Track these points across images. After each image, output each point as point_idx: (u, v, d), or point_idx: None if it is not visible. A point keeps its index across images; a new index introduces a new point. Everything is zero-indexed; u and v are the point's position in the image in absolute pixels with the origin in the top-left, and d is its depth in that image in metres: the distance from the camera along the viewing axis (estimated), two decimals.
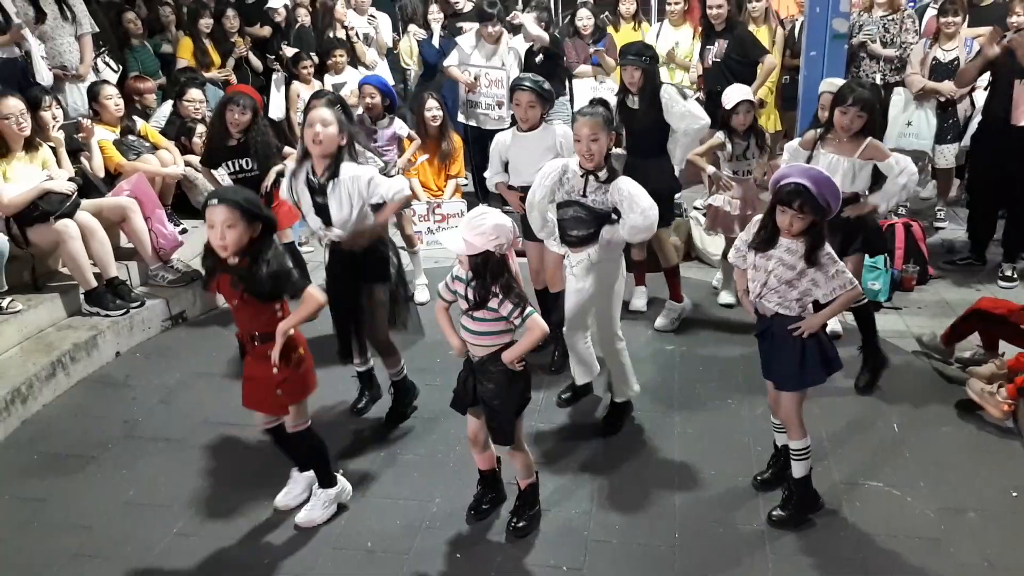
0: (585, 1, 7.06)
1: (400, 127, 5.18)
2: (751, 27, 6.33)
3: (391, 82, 7.30)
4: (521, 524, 3.02)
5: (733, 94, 4.59)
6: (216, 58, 6.90)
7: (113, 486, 3.36)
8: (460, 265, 2.73)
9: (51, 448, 3.65)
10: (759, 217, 2.94)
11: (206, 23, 6.86)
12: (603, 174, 3.34)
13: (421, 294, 5.05)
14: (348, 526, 3.10)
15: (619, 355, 3.62)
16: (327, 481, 3.13)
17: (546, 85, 3.93)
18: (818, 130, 3.89)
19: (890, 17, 6.09)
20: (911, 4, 7.21)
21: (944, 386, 3.94)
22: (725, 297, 4.90)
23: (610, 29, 7.03)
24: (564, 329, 3.63)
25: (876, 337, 4.00)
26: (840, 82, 4.39)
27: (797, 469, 3.00)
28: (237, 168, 4.55)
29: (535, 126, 3.95)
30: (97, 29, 5.92)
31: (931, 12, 6.55)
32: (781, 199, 2.78)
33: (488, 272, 2.66)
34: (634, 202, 3.28)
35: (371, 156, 4.58)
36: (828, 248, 2.83)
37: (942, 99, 5.81)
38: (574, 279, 3.48)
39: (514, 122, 4.12)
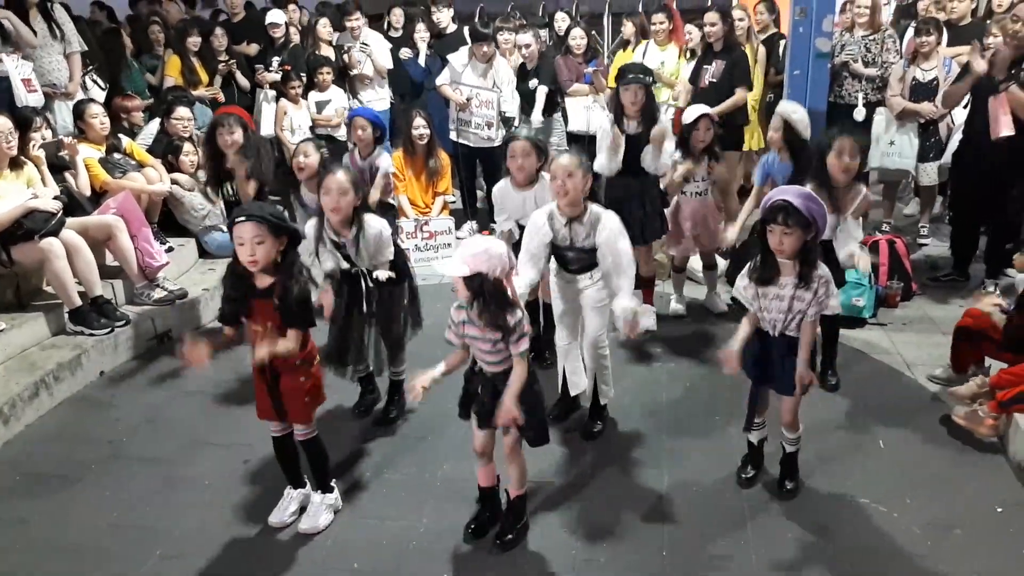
0: (578, 21, 7.13)
1: (388, 163, 5.05)
2: None
3: (387, 105, 7.36)
4: (509, 537, 3.02)
5: (693, 110, 4.64)
6: (204, 76, 6.91)
7: (97, 507, 3.33)
8: (458, 294, 2.73)
9: (34, 469, 3.61)
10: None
11: (194, 41, 6.88)
12: (587, 218, 3.36)
13: None
14: (335, 546, 3.08)
15: (605, 359, 3.67)
16: (328, 487, 3.19)
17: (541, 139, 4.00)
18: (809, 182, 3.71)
19: (871, 37, 6.18)
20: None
21: (929, 403, 3.97)
22: (675, 307, 4.97)
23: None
24: (564, 344, 3.68)
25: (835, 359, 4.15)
26: (798, 107, 4.49)
27: (793, 449, 3.30)
28: (232, 192, 4.54)
29: (533, 181, 3.91)
30: (86, 47, 5.93)
31: (911, 32, 6.65)
32: (767, 218, 2.85)
33: (486, 293, 2.67)
34: (613, 250, 3.34)
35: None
36: (823, 270, 2.93)
37: (922, 120, 5.89)
38: (591, 300, 3.53)
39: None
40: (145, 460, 3.65)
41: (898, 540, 3.03)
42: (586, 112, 6.48)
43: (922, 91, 5.80)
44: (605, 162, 4.34)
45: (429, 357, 2.95)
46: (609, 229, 3.35)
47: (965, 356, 3.92)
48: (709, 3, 7.55)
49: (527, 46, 6.47)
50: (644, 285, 4.71)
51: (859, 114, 6.10)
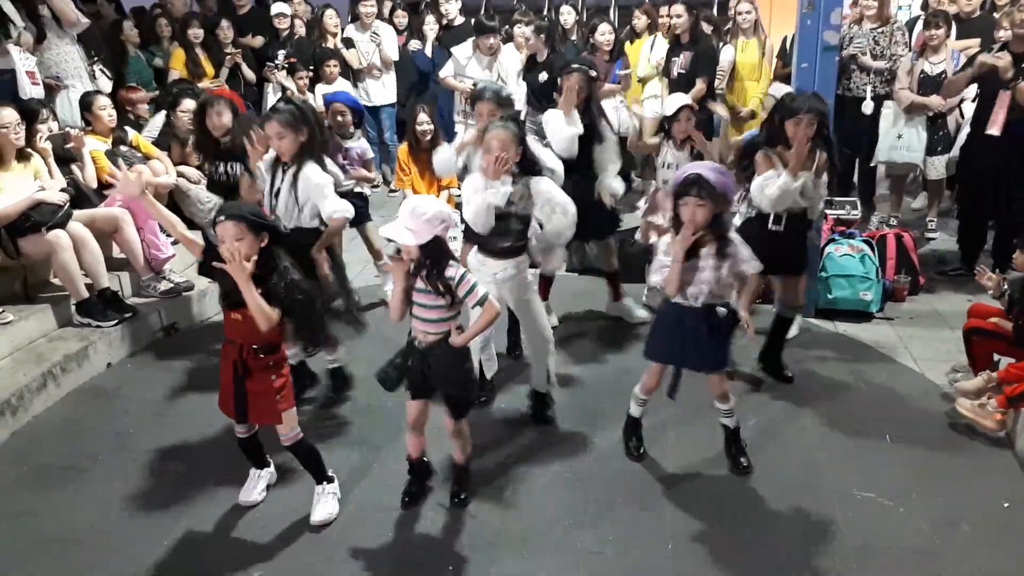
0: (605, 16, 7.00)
1: (366, 148, 5.10)
2: (740, 37, 6.38)
3: (393, 97, 7.36)
4: (465, 496, 3.21)
5: (674, 100, 4.67)
6: (209, 69, 6.89)
7: (104, 498, 3.34)
8: (404, 260, 2.80)
9: (41, 460, 3.62)
10: (666, 239, 3.17)
11: (195, 33, 6.85)
12: (520, 180, 3.36)
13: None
14: (341, 538, 3.08)
15: (549, 356, 3.70)
16: (328, 477, 3.21)
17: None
18: (767, 150, 3.81)
19: (880, 30, 6.15)
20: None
21: (936, 397, 3.96)
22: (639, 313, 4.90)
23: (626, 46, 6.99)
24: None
25: (781, 351, 4.16)
26: (787, 88, 4.56)
27: (734, 423, 3.43)
28: (223, 171, 4.53)
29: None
30: (88, 22, 5.93)
31: (920, 26, 6.61)
32: (679, 192, 3.04)
33: (441, 258, 2.78)
34: (553, 202, 3.40)
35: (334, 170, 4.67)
36: (734, 237, 3.15)
37: (930, 113, 5.86)
38: (522, 289, 3.55)
39: None
40: (152, 452, 3.66)
41: (905, 536, 3.03)
42: (613, 114, 6.29)
43: (930, 84, 5.77)
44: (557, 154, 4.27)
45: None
46: (548, 191, 3.40)
47: (982, 356, 3.87)
48: None
49: (527, 39, 6.45)
50: (611, 279, 4.82)
51: (867, 107, 6.07)
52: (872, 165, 6.37)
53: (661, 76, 6.56)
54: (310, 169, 3.57)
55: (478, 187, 3.36)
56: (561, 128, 4.25)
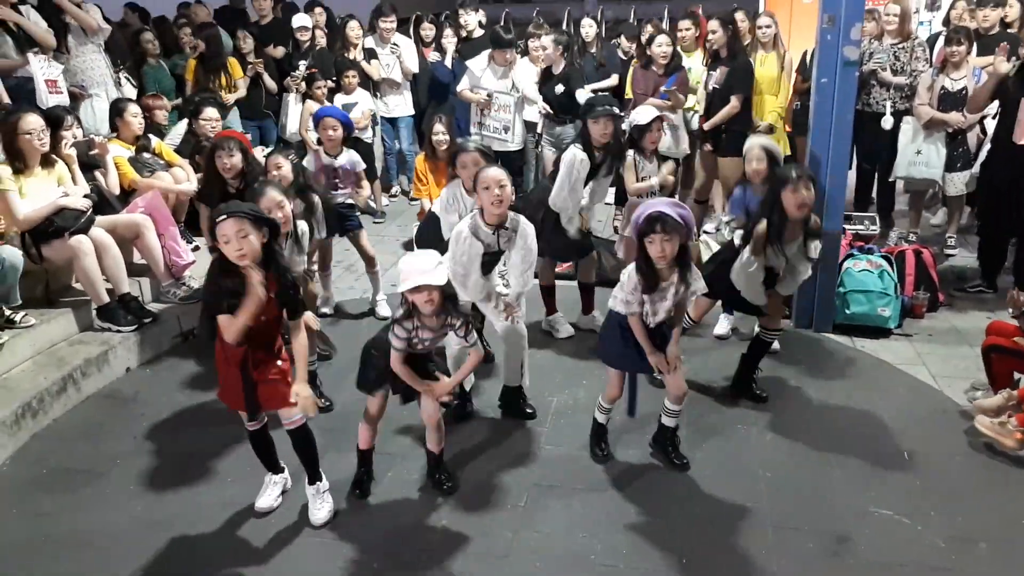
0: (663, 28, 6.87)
1: (356, 160, 5.12)
2: (759, 51, 6.37)
3: (411, 109, 7.42)
4: (451, 482, 3.39)
5: (647, 112, 4.71)
6: (222, 79, 6.95)
7: (122, 502, 3.37)
8: (427, 305, 2.94)
9: (60, 463, 3.66)
10: (629, 271, 3.24)
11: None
12: (510, 223, 3.57)
13: (383, 309, 5.18)
14: (355, 542, 3.09)
15: (524, 352, 3.86)
16: (318, 475, 3.25)
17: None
18: (762, 229, 3.73)
19: (900, 45, 6.13)
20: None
21: (954, 415, 3.92)
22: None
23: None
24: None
25: (754, 374, 4.15)
26: (767, 141, 4.58)
27: (676, 423, 3.55)
28: None
29: None
30: (109, 28, 6.03)
31: (941, 42, 6.58)
32: (644, 230, 3.10)
33: (449, 297, 3.00)
34: (528, 246, 3.63)
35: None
36: (693, 267, 3.28)
37: (950, 129, 5.83)
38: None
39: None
40: (169, 455, 3.70)
41: (922, 553, 3.00)
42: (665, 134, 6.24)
43: (951, 100, 5.75)
44: (567, 195, 4.37)
45: None
46: (530, 233, 3.65)
47: (1002, 375, 3.82)
48: (735, 7, 7.52)
49: (543, 48, 6.46)
50: (585, 291, 4.91)
51: (886, 123, 6.05)
52: (891, 180, 6.33)
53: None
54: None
55: (470, 238, 3.54)
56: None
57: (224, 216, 2.81)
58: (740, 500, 3.32)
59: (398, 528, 3.18)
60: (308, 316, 3.44)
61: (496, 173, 3.47)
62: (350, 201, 5.11)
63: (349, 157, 5.07)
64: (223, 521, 3.23)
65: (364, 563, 2.99)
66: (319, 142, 5.14)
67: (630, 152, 4.68)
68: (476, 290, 3.66)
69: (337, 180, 5.02)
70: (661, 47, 6.22)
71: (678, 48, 6.41)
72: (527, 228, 3.65)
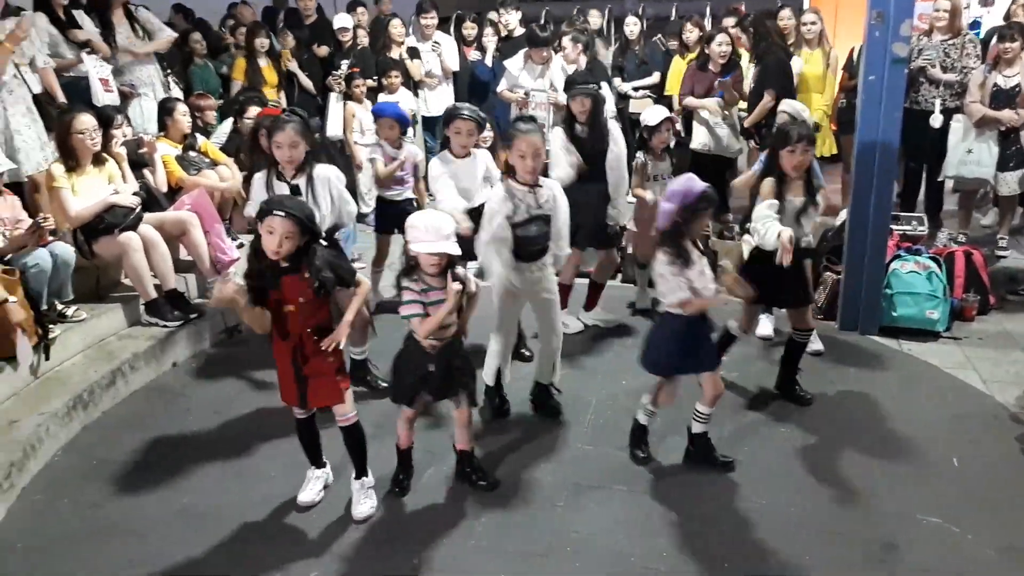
0: (725, 27, 6.77)
1: (414, 152, 5.12)
2: (804, 48, 6.28)
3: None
4: (487, 481, 3.39)
5: (656, 113, 4.79)
6: (271, 77, 7.05)
7: (166, 494, 3.44)
8: (432, 267, 2.98)
9: (109, 455, 3.74)
10: (659, 268, 3.22)
11: (261, 43, 7.03)
12: (542, 180, 3.61)
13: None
14: (397, 539, 3.11)
15: (557, 350, 3.89)
16: (365, 471, 3.29)
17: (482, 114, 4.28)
18: (771, 178, 3.78)
19: (951, 42, 5.99)
20: (974, 30, 7.08)
21: (1005, 420, 3.82)
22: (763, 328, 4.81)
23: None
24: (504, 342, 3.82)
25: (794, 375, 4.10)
26: (799, 106, 4.71)
27: (704, 428, 3.51)
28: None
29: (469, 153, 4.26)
30: (175, 35, 6.17)
31: (995, 38, 6.41)
32: (697, 206, 3.14)
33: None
34: (559, 204, 3.64)
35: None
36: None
37: (1003, 127, 5.67)
38: (547, 289, 3.74)
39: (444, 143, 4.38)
40: (214, 449, 3.76)
41: (972, 563, 2.93)
42: (711, 131, 6.15)
43: (1003, 98, 5.60)
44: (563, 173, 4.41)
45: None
46: (560, 194, 3.67)
47: None
48: (780, 5, 7.42)
49: (563, 48, 6.45)
50: (594, 287, 4.95)
51: (936, 120, 5.91)
52: (940, 180, 6.20)
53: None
54: (322, 168, 3.79)
55: (506, 197, 3.53)
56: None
57: (283, 213, 2.84)
58: (783, 504, 3.27)
59: (437, 525, 3.19)
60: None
61: (535, 139, 3.49)
62: (413, 196, 5.09)
63: (410, 149, 5.08)
64: (265, 514, 3.27)
65: (403, 559, 3.01)
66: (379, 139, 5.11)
67: (639, 153, 4.78)
68: (502, 247, 3.58)
69: (403, 173, 5.00)
70: (721, 46, 6.14)
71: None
72: (555, 185, 3.70)
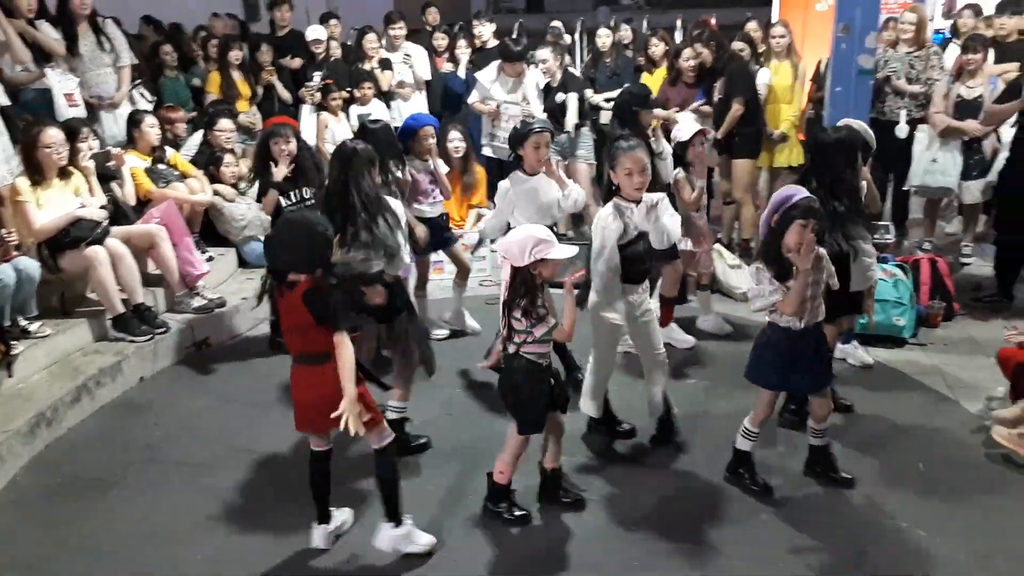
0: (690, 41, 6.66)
1: (440, 162, 4.95)
2: (773, 60, 6.36)
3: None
4: (572, 498, 3.33)
5: (689, 127, 4.61)
6: (244, 90, 7.01)
7: (135, 511, 3.39)
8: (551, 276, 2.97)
9: (74, 472, 3.68)
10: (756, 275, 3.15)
11: (235, 55, 6.99)
12: (645, 198, 3.46)
13: (473, 322, 5.09)
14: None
15: (663, 378, 3.72)
16: (398, 517, 3.03)
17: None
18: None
19: (916, 54, 6.10)
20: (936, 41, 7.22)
21: (971, 426, 3.87)
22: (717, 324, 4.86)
23: (645, 75, 6.91)
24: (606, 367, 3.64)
25: None
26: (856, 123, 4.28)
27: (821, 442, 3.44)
28: (297, 199, 4.53)
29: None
30: (136, 61, 6.08)
31: (952, 48, 6.55)
32: (799, 216, 3.02)
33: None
34: (663, 223, 3.51)
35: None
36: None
37: (966, 138, 5.78)
38: (646, 311, 3.58)
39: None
40: (181, 466, 3.71)
41: (939, 567, 2.96)
42: None
43: (967, 109, 5.70)
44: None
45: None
46: (668, 206, 3.55)
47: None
48: (749, 15, 7.51)
49: (543, 61, 6.48)
50: (665, 304, 4.71)
51: (901, 131, 6.02)
52: (905, 189, 6.29)
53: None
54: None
55: (614, 215, 3.42)
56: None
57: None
58: (755, 511, 3.29)
59: (534, 548, 3.12)
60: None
61: (641, 155, 3.41)
62: (445, 211, 4.90)
63: (436, 162, 4.84)
64: (238, 531, 3.23)
65: None
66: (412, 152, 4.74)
67: (678, 170, 4.59)
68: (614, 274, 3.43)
69: (434, 187, 4.75)
70: (688, 60, 6.21)
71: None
72: (665, 201, 3.55)
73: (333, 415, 2.73)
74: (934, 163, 5.88)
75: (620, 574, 2.98)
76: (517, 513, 3.22)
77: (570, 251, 2.96)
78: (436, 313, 5.10)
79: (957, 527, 3.16)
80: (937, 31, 7.77)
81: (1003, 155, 5.56)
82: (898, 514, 3.24)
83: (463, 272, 5.05)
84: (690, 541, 3.13)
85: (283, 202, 4.50)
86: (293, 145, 4.50)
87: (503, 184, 4.16)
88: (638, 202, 3.45)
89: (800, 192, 3.15)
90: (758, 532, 3.17)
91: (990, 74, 5.91)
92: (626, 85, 5.62)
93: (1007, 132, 5.59)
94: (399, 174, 4.20)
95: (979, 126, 5.66)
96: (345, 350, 2.75)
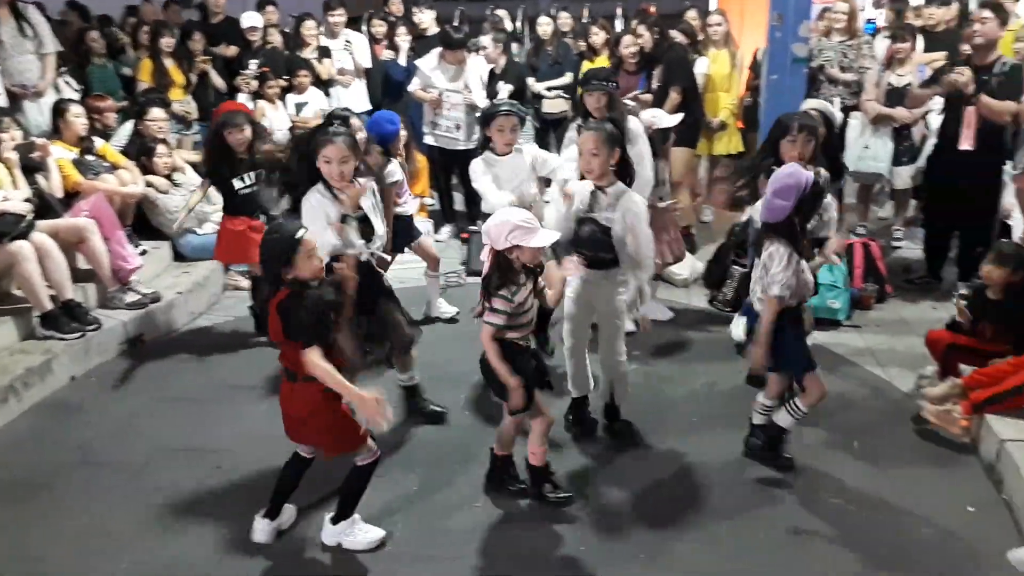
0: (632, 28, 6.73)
1: (397, 168, 4.64)
2: (711, 49, 6.44)
3: (366, 104, 7.29)
4: (560, 496, 3.25)
5: (665, 120, 4.65)
6: (178, 78, 6.81)
7: (66, 515, 3.27)
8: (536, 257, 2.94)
9: (2, 475, 3.54)
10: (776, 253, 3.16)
11: (167, 43, 6.78)
12: (612, 189, 3.37)
13: (446, 307, 5.11)
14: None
15: (625, 375, 3.70)
16: (347, 515, 3.01)
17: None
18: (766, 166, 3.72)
19: (848, 43, 6.24)
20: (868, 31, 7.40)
21: (902, 404, 4.00)
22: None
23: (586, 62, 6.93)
24: (570, 343, 3.63)
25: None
26: (816, 103, 4.47)
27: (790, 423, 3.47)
28: (245, 183, 4.55)
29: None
30: (61, 48, 5.85)
31: (881, 38, 6.72)
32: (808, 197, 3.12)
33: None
34: (639, 240, 3.35)
35: None
36: None
37: (896, 124, 5.95)
38: (582, 291, 3.50)
39: (484, 144, 4.16)
40: (115, 466, 3.60)
41: (872, 540, 3.05)
42: None
43: (897, 96, 5.86)
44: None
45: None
46: (634, 212, 3.35)
47: (950, 365, 3.90)
48: (688, 4, 7.59)
49: (483, 48, 6.44)
50: None
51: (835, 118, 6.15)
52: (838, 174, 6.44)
53: None
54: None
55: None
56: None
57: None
58: (690, 489, 3.35)
59: (532, 548, 3.07)
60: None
61: (589, 137, 3.33)
62: (410, 211, 4.79)
63: (392, 165, 4.56)
64: (171, 534, 3.15)
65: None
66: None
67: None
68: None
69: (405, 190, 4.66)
70: (628, 48, 6.25)
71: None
72: (633, 203, 3.37)
73: (361, 431, 2.79)
74: (866, 149, 6.04)
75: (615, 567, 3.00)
76: (562, 495, 3.24)
77: (548, 239, 2.92)
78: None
79: (888, 501, 3.26)
80: (868, 21, 7.97)
81: (931, 141, 5.73)
82: (832, 491, 3.33)
83: (433, 263, 4.99)
84: (632, 520, 3.17)
85: (236, 184, 4.53)
86: (248, 132, 4.47)
87: (476, 164, 4.14)
88: (598, 188, 3.36)
89: (800, 170, 3.15)
90: (696, 508, 3.23)
91: (919, 63, 6.08)
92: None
93: (935, 119, 5.76)
94: (398, 176, 4.37)
95: (908, 113, 5.83)
96: (317, 369, 2.64)
